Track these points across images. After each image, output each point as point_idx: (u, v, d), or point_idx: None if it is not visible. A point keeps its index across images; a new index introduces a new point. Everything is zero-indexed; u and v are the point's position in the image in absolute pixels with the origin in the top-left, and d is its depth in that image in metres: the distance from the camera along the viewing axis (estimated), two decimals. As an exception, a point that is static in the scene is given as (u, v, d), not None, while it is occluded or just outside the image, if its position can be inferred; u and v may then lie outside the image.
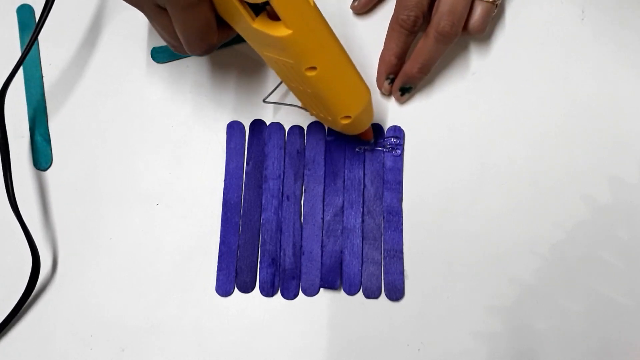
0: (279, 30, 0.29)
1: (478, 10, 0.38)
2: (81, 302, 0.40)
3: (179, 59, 0.42)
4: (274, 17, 0.29)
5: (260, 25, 0.29)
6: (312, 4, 0.29)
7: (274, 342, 0.39)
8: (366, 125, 0.38)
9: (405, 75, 0.39)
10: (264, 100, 0.39)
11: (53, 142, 0.42)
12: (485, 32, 0.40)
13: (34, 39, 0.38)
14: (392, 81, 0.40)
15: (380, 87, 0.41)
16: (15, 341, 0.39)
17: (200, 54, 0.32)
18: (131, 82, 0.42)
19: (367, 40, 0.42)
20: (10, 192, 0.39)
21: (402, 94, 0.40)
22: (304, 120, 0.41)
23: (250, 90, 0.42)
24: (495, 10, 0.39)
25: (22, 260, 0.39)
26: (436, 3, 0.38)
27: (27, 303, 0.39)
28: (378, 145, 0.40)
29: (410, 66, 0.39)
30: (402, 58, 0.40)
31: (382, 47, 0.40)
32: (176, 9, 0.29)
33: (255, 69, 0.42)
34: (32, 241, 0.38)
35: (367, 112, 0.36)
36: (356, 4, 0.42)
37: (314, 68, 0.31)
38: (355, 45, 0.42)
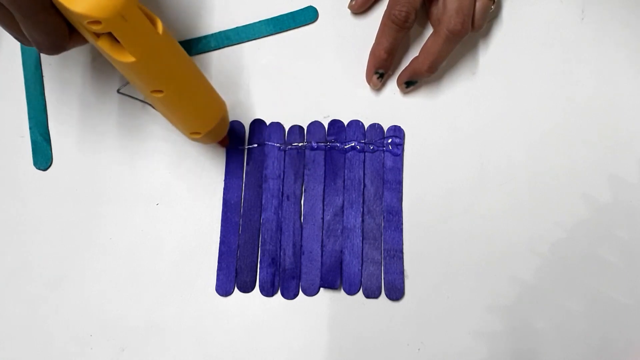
0: (123, 56, 0.28)
1: (476, 7, 0.38)
2: (81, 302, 0.40)
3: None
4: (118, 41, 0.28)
5: (105, 46, 0.28)
6: (160, 31, 0.29)
7: (274, 342, 0.39)
8: (219, 138, 0.38)
9: (413, 72, 0.39)
10: (118, 91, 0.39)
11: (53, 142, 0.42)
12: (482, 29, 0.40)
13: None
14: (381, 76, 0.40)
15: (369, 81, 0.41)
16: (15, 341, 0.39)
17: (52, 54, 0.31)
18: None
19: (365, 38, 0.42)
20: None
21: (408, 87, 0.41)
22: (304, 120, 0.41)
23: (250, 90, 0.42)
24: (492, 7, 0.39)
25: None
26: (439, 2, 0.38)
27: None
28: (378, 145, 0.41)
29: (420, 64, 0.39)
30: (392, 53, 0.40)
31: (373, 42, 0.40)
32: (20, 15, 0.28)
33: (255, 69, 0.42)
34: None
35: (220, 127, 0.37)
36: (354, 3, 0.42)
37: (160, 91, 0.31)
38: (353, 44, 0.42)
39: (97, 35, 0.28)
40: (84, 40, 0.31)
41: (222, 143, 0.40)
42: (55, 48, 0.31)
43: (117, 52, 0.28)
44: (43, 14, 0.29)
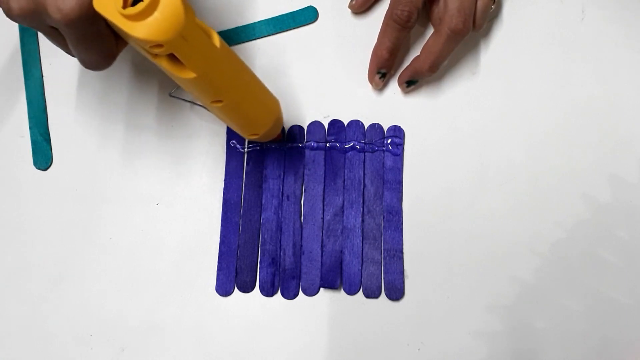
0: (184, 73, 0.28)
1: (477, 7, 0.38)
2: (81, 302, 0.40)
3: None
4: (177, 59, 0.27)
5: (164, 65, 0.27)
6: (217, 45, 0.28)
7: (274, 342, 0.39)
8: (275, 134, 0.38)
9: (415, 71, 0.39)
10: (170, 94, 0.39)
11: (53, 142, 0.42)
12: (482, 28, 0.40)
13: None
14: (383, 75, 0.40)
15: (371, 81, 0.41)
16: (15, 341, 0.39)
17: (98, 71, 0.32)
18: (131, 82, 0.42)
19: (365, 38, 0.42)
20: None
21: (408, 86, 0.41)
22: (304, 120, 0.41)
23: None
24: (493, 7, 0.39)
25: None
26: (440, 2, 0.38)
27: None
28: (378, 145, 0.41)
29: (421, 63, 0.39)
30: (394, 53, 0.40)
31: (375, 42, 0.40)
32: (75, 40, 0.29)
33: (255, 69, 0.42)
34: None
35: (276, 125, 0.37)
36: (354, 2, 0.42)
37: (219, 101, 0.31)
38: (353, 44, 0.42)
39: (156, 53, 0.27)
40: (125, 45, 0.31)
41: (275, 138, 0.40)
42: (104, 66, 0.31)
43: (177, 69, 0.28)
44: (98, 39, 0.29)
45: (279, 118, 0.37)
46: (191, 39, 0.26)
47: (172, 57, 0.27)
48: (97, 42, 0.29)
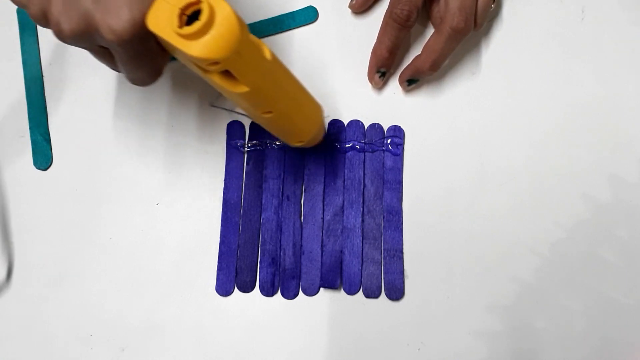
0: (237, 87, 0.28)
1: (478, 6, 0.38)
2: (81, 302, 0.39)
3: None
4: (230, 73, 0.27)
5: (217, 80, 0.27)
6: (269, 57, 0.28)
7: (274, 342, 0.39)
8: (319, 139, 0.39)
9: (415, 70, 0.39)
10: (211, 105, 0.39)
11: (53, 142, 0.42)
12: (482, 28, 0.40)
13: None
14: (382, 75, 0.40)
15: (371, 80, 0.41)
16: (15, 341, 0.39)
17: (145, 86, 0.32)
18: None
19: (365, 38, 0.42)
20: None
21: (409, 85, 0.41)
22: (304, 120, 0.41)
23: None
24: (493, 6, 0.39)
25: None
26: (441, 1, 0.38)
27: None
28: (378, 145, 0.40)
29: (422, 62, 0.39)
30: (394, 52, 0.40)
31: (375, 41, 0.40)
32: (126, 60, 0.29)
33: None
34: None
35: (319, 132, 0.37)
36: (354, 2, 0.42)
37: (269, 112, 0.31)
38: (353, 44, 0.42)
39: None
40: (168, 59, 0.31)
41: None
42: (150, 82, 0.31)
43: (230, 84, 0.28)
44: (148, 57, 0.29)
45: (322, 123, 0.37)
46: (245, 54, 0.26)
47: (225, 73, 0.27)
48: (147, 60, 0.29)
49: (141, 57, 0.28)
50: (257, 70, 0.28)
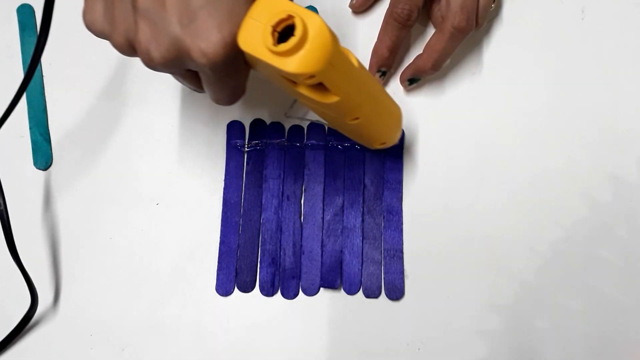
0: (327, 98, 0.28)
1: (479, 5, 0.38)
2: (81, 301, 0.40)
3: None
4: (321, 85, 0.27)
5: (307, 93, 0.27)
6: (357, 65, 0.28)
7: (274, 342, 0.39)
8: (397, 140, 0.38)
9: (417, 69, 0.39)
10: (286, 115, 0.40)
11: (53, 142, 0.42)
12: (482, 27, 0.40)
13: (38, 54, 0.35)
14: (383, 74, 0.40)
15: None
16: (15, 341, 0.39)
17: (229, 105, 0.31)
18: (132, 82, 0.42)
19: (365, 38, 0.42)
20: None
21: (410, 84, 0.41)
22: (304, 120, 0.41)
23: (250, 90, 0.42)
24: (493, 5, 0.39)
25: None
26: (442, 0, 0.38)
27: (28, 302, 0.39)
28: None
29: (424, 62, 0.39)
30: (395, 51, 0.40)
31: (376, 40, 0.40)
32: (214, 81, 0.28)
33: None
34: (29, 278, 0.38)
35: (399, 132, 0.38)
36: (354, 2, 0.42)
37: (357, 118, 0.31)
38: (354, 43, 0.42)
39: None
40: (249, 73, 0.31)
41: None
42: (235, 102, 0.31)
43: (320, 95, 0.27)
44: (236, 76, 0.28)
45: (401, 124, 0.37)
46: (336, 65, 0.26)
47: (316, 85, 0.27)
48: (234, 79, 0.29)
49: (230, 77, 0.28)
50: (347, 79, 0.28)
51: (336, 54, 0.26)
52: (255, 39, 0.25)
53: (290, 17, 0.24)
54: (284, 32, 0.25)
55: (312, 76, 0.25)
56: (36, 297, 0.38)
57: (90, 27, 0.28)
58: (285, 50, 0.24)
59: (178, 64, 0.27)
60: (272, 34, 0.25)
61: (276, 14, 0.24)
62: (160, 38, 0.25)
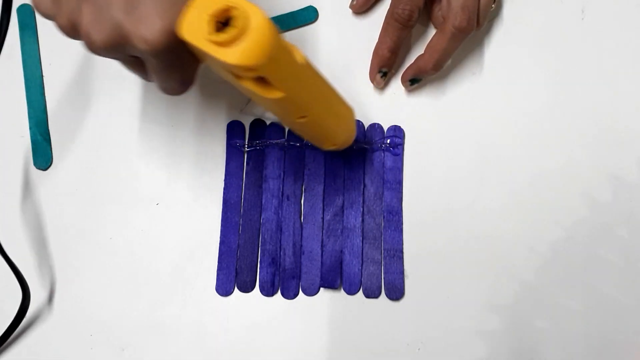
0: (271, 93, 0.27)
1: (480, 5, 0.38)
2: (81, 301, 0.39)
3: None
4: (264, 80, 0.27)
5: (251, 87, 0.27)
6: (302, 61, 0.28)
7: (274, 342, 0.39)
8: (350, 142, 0.38)
9: (418, 69, 0.40)
10: (241, 111, 0.39)
11: (53, 142, 0.42)
12: (483, 27, 0.40)
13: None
14: (384, 74, 0.40)
15: (372, 80, 0.41)
16: (15, 341, 0.39)
17: (177, 95, 0.31)
18: (131, 82, 0.42)
19: (365, 38, 0.42)
20: None
21: (412, 84, 0.41)
22: (304, 120, 0.41)
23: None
24: (493, 5, 0.39)
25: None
26: (443, 0, 0.38)
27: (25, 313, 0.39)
28: (378, 145, 0.40)
29: (425, 62, 0.39)
30: (395, 52, 0.40)
31: (377, 41, 0.40)
32: (160, 69, 0.28)
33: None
34: (20, 275, 0.38)
35: (352, 134, 0.37)
36: (355, 3, 0.42)
37: (304, 117, 0.31)
38: (353, 44, 0.42)
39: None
40: (199, 66, 0.31)
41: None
42: (182, 92, 0.31)
43: (264, 90, 0.27)
44: (182, 66, 0.28)
45: (353, 127, 0.37)
46: (278, 59, 0.26)
47: (258, 79, 0.27)
48: (179, 69, 0.29)
49: (174, 66, 0.28)
50: (291, 75, 0.28)
51: (278, 48, 0.25)
52: (195, 27, 0.25)
53: (230, 7, 0.24)
54: (228, 23, 0.25)
55: (252, 69, 0.25)
56: (27, 290, 0.38)
57: (37, 7, 0.28)
58: (224, 41, 0.24)
59: (119, 50, 0.27)
60: (212, 23, 0.24)
61: (217, 3, 0.24)
62: (102, 22, 0.26)
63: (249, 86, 0.27)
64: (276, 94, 0.27)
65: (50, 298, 0.40)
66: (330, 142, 0.36)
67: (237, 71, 0.25)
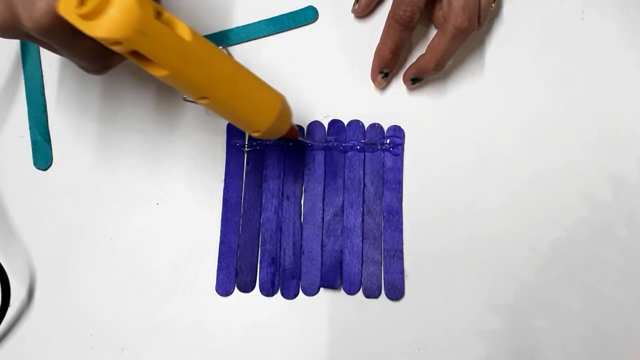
0: (156, 70, 0.27)
1: (480, 5, 0.38)
2: (81, 301, 0.39)
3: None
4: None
5: (135, 62, 0.27)
6: (189, 38, 0.27)
7: (274, 342, 0.39)
8: (283, 131, 0.36)
9: (420, 69, 0.40)
10: (184, 99, 0.40)
11: (53, 142, 0.42)
12: (483, 27, 0.40)
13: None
14: (385, 75, 0.40)
15: (374, 80, 0.41)
16: (15, 341, 0.39)
17: (99, 75, 0.32)
18: (131, 82, 0.42)
19: (365, 38, 0.42)
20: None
21: (413, 83, 0.41)
22: (304, 120, 0.41)
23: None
24: (493, 5, 0.39)
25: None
26: (443, 1, 0.38)
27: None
28: (378, 145, 0.41)
29: (426, 62, 0.39)
30: (397, 53, 0.40)
31: (378, 42, 0.40)
32: (55, 45, 0.29)
33: (255, 69, 0.42)
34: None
35: (281, 120, 0.35)
36: (357, 7, 0.42)
37: (205, 97, 0.30)
38: (353, 44, 0.42)
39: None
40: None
41: (291, 134, 0.38)
42: (101, 69, 0.31)
43: (148, 66, 0.27)
44: (75, 41, 0.29)
45: (283, 114, 0.35)
46: (153, 34, 0.26)
47: (141, 56, 0.27)
48: (83, 50, 0.29)
49: (72, 45, 0.29)
50: (174, 52, 0.27)
51: (149, 22, 0.25)
52: (67, 3, 0.25)
53: None
54: None
55: (118, 42, 0.25)
56: (7, 283, 0.38)
57: None
58: (86, 13, 0.24)
59: (13, 29, 0.28)
60: None
61: None
62: None
63: (134, 61, 0.27)
64: (160, 72, 0.27)
65: (50, 298, 0.40)
66: (252, 128, 0.34)
67: (107, 45, 0.26)
